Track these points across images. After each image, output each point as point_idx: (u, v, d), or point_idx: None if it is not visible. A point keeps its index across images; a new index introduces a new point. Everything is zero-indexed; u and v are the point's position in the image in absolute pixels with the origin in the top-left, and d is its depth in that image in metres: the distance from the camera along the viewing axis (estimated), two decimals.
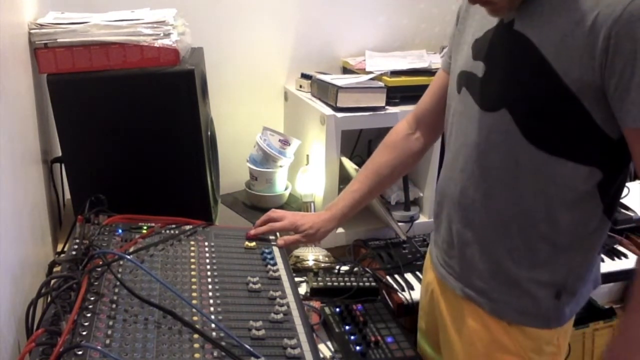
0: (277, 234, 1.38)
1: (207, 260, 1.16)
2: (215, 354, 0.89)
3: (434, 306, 1.29)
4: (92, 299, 0.94)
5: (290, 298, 1.10)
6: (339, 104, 1.77)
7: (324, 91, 1.84)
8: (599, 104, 0.94)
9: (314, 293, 1.53)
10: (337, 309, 1.48)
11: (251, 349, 0.90)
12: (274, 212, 1.40)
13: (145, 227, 1.22)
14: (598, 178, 1.01)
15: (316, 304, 1.47)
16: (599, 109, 0.94)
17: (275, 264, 1.20)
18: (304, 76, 2.00)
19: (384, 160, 1.37)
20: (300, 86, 2.01)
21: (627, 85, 0.89)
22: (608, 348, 1.07)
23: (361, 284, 1.57)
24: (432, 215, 1.29)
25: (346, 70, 2.10)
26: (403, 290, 1.64)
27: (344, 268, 1.68)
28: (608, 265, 1.80)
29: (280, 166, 1.87)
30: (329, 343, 1.37)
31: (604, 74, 0.91)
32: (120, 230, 1.19)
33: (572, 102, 0.95)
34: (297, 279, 1.36)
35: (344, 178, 1.88)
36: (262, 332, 0.96)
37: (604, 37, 0.88)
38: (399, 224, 1.89)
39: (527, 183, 1.03)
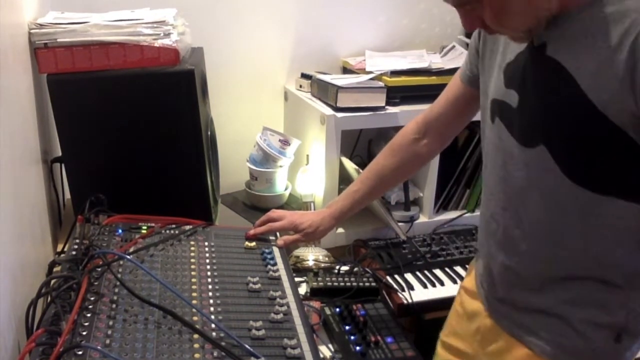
0: (277, 233, 1.38)
1: (207, 260, 1.16)
2: (215, 354, 0.89)
3: (478, 336, 1.20)
4: (92, 299, 0.94)
5: (290, 298, 1.10)
6: (339, 104, 1.77)
7: (324, 91, 1.84)
8: None
9: (314, 293, 1.53)
10: (337, 309, 1.48)
11: (251, 349, 0.90)
12: (273, 212, 1.40)
13: (145, 227, 1.22)
14: None
15: (316, 304, 1.47)
16: None
17: (275, 264, 1.20)
18: (304, 76, 2.00)
19: (388, 163, 1.35)
20: (300, 86, 2.01)
21: None
22: None
23: (361, 284, 1.57)
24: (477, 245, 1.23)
25: (346, 70, 2.09)
26: (403, 290, 1.64)
27: (344, 268, 1.68)
28: None
29: (280, 166, 1.87)
30: (329, 343, 1.37)
31: None
32: (120, 230, 1.19)
33: (615, 134, 0.86)
34: (297, 279, 1.36)
35: (344, 178, 1.88)
36: (262, 332, 0.96)
37: None
38: (399, 224, 1.89)
39: (574, 224, 0.95)
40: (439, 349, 1.36)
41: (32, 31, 1.24)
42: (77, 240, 1.10)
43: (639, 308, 0.98)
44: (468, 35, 1.90)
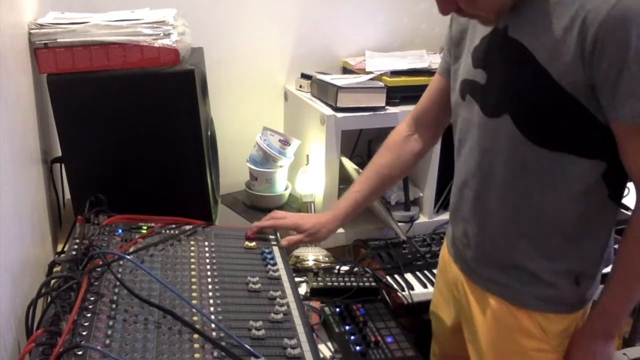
0: (278, 234, 1.38)
1: (207, 260, 1.16)
2: (215, 354, 0.89)
3: (461, 298, 1.29)
4: (92, 299, 0.94)
5: (290, 298, 1.10)
6: (339, 104, 1.77)
7: (324, 91, 1.84)
8: (596, 100, 0.97)
9: (314, 293, 1.53)
10: (337, 309, 1.48)
11: (251, 349, 0.91)
12: (275, 214, 1.40)
13: (145, 227, 1.22)
14: (602, 169, 1.04)
15: (316, 304, 1.47)
16: (597, 105, 0.97)
17: (275, 264, 1.20)
18: (304, 76, 2.00)
19: (385, 161, 1.40)
20: (300, 86, 2.01)
21: (614, 85, 0.93)
22: (585, 325, 1.13)
23: (361, 284, 1.56)
24: (449, 213, 1.32)
25: (346, 70, 2.10)
26: (403, 290, 1.64)
27: (344, 268, 1.68)
28: None
29: (280, 166, 1.87)
30: (329, 343, 1.37)
31: (593, 73, 0.94)
32: (120, 230, 1.19)
33: (569, 101, 0.98)
34: (297, 279, 1.36)
35: (344, 178, 1.88)
36: (262, 332, 0.96)
37: (590, 40, 0.92)
38: (399, 224, 1.89)
39: (535, 181, 1.07)
40: (432, 320, 1.45)
41: (32, 31, 1.24)
42: (77, 240, 1.11)
43: (592, 254, 1.13)
44: None
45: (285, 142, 1.86)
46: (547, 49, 0.98)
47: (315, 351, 0.96)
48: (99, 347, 0.82)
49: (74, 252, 1.06)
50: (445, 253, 1.37)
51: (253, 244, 1.27)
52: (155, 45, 1.26)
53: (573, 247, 1.10)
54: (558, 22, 0.97)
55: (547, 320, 1.14)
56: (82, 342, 0.83)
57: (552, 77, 0.98)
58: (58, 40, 1.24)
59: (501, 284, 1.17)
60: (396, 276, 1.71)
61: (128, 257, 1.02)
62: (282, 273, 1.18)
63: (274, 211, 1.43)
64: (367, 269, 1.68)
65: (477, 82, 1.13)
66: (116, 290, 0.99)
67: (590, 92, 0.96)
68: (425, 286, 1.68)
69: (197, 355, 0.87)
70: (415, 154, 1.39)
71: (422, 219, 1.98)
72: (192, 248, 1.19)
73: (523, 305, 1.14)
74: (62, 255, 1.21)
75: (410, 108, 1.81)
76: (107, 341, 0.86)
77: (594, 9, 0.92)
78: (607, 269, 1.13)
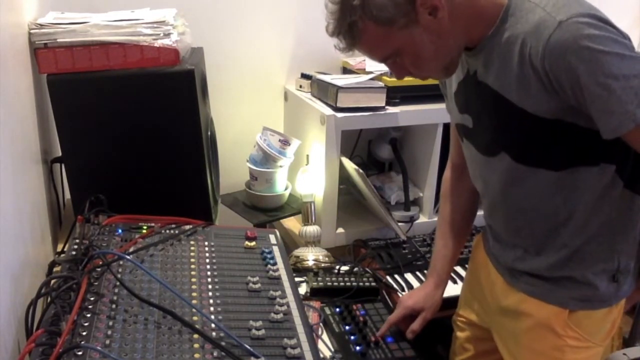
0: (277, 234, 1.37)
1: (207, 260, 1.16)
2: (215, 354, 0.89)
3: (495, 301, 1.30)
4: (92, 299, 0.94)
5: (290, 298, 1.10)
6: (339, 104, 1.77)
7: (324, 91, 1.84)
8: (577, 112, 0.98)
9: (314, 293, 1.53)
10: (337, 309, 1.48)
11: (251, 349, 0.91)
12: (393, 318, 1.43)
13: (145, 227, 1.22)
14: (612, 168, 1.06)
15: (316, 304, 1.48)
16: (581, 117, 0.98)
17: (275, 264, 1.20)
18: (304, 76, 2.00)
19: (450, 209, 1.44)
20: (300, 86, 2.01)
21: (585, 106, 0.95)
22: None
23: (361, 284, 1.57)
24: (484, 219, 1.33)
25: (346, 70, 2.09)
26: (403, 290, 1.64)
27: (344, 268, 1.68)
28: None
29: (280, 166, 1.87)
30: (329, 343, 1.37)
31: (564, 99, 0.97)
32: (120, 230, 1.19)
33: (556, 125, 1.01)
34: (297, 279, 1.36)
35: (344, 178, 1.88)
36: (262, 332, 0.96)
37: (543, 74, 0.96)
38: (399, 224, 1.89)
39: (555, 199, 1.10)
40: (455, 329, 1.45)
41: (32, 31, 1.24)
42: (77, 241, 1.11)
43: (625, 249, 1.14)
44: None
45: (285, 142, 1.86)
46: (513, 87, 1.02)
47: (315, 351, 0.96)
48: (99, 347, 0.82)
49: (74, 252, 1.06)
50: (479, 258, 1.36)
51: (253, 243, 1.27)
52: (155, 45, 1.26)
53: (607, 247, 1.12)
54: (511, 61, 1.00)
55: (583, 316, 1.16)
56: (82, 343, 0.83)
57: (528, 112, 1.01)
58: (58, 40, 1.24)
59: (539, 286, 1.18)
60: (396, 276, 1.71)
61: (128, 257, 1.02)
62: (282, 273, 1.18)
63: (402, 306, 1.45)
64: (367, 269, 1.68)
65: (466, 126, 1.18)
66: (116, 290, 0.99)
67: (568, 110, 0.98)
68: None
69: (197, 355, 0.87)
70: (471, 190, 1.39)
71: (422, 219, 1.98)
72: (192, 248, 1.19)
73: (561, 305, 1.16)
74: (62, 255, 1.21)
75: (410, 108, 1.83)
76: (107, 341, 0.86)
77: (533, 46, 0.95)
78: None
